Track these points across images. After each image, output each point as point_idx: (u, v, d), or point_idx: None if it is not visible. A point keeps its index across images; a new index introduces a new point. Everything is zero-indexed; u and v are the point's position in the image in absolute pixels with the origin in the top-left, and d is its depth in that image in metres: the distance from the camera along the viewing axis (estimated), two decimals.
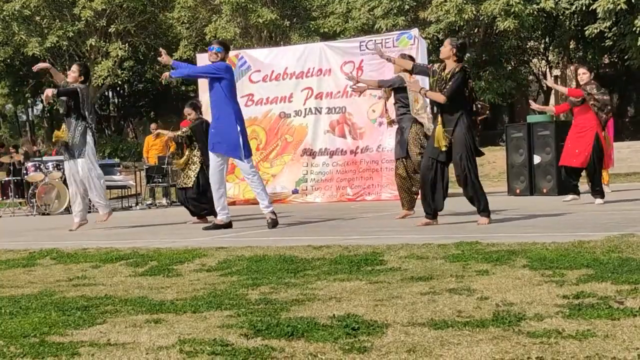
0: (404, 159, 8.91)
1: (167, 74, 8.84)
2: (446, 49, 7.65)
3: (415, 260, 5.34)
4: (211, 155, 8.64)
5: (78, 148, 9.57)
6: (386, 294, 4.26)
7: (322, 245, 6.06)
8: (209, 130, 8.89)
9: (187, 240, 7.36)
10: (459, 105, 7.52)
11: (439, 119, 7.65)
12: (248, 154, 8.54)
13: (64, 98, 9.60)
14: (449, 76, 7.52)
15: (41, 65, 10.23)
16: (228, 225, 8.60)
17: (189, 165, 10.37)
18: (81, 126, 9.59)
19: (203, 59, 16.00)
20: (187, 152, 10.46)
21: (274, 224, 8.38)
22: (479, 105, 7.77)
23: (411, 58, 9.14)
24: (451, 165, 7.84)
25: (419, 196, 9.04)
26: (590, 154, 9.91)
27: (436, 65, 7.86)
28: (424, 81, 10.27)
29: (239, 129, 8.41)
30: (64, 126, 9.81)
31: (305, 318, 3.68)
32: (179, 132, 10.59)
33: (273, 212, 8.45)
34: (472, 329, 3.35)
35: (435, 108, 7.82)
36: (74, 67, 9.93)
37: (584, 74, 10.07)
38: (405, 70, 8.65)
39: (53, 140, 10.26)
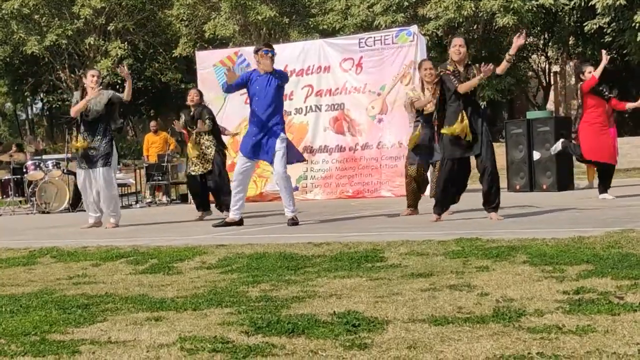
0: (431, 163, 8.82)
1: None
2: (464, 50, 7.59)
3: (416, 256, 5.34)
4: (241, 157, 8.52)
5: (103, 157, 9.38)
6: (386, 290, 4.26)
7: (322, 242, 6.07)
8: (249, 135, 8.51)
9: (187, 238, 7.36)
10: (480, 103, 7.53)
11: (462, 115, 7.48)
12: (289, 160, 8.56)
13: (97, 109, 9.39)
14: (474, 71, 7.48)
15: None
16: (239, 222, 8.61)
17: (203, 149, 10.24)
18: (109, 135, 9.50)
19: (202, 57, 16.04)
20: (192, 136, 10.31)
21: (293, 224, 8.30)
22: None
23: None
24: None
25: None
26: (614, 150, 9.97)
27: (450, 69, 7.67)
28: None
29: (284, 134, 8.46)
30: (80, 136, 9.45)
31: (305, 315, 3.68)
32: (205, 127, 10.24)
33: (296, 216, 8.41)
34: (472, 325, 3.35)
35: (460, 104, 7.57)
36: (96, 72, 9.67)
37: (589, 73, 10.02)
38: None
39: (72, 151, 9.73)
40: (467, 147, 7.54)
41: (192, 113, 10.40)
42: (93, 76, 9.52)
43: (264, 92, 8.35)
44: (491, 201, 7.59)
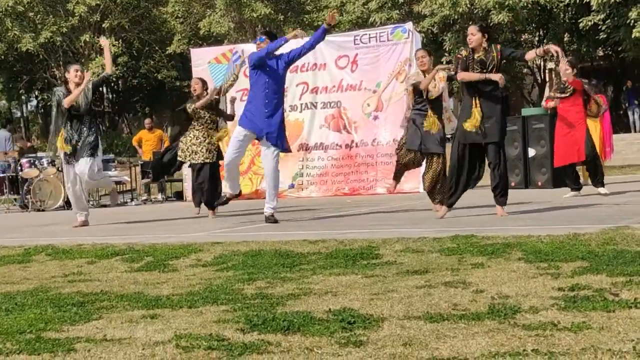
0: (433, 155, 8.66)
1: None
2: (477, 37, 7.48)
3: (411, 253, 5.34)
4: (240, 133, 8.45)
5: (90, 148, 9.27)
6: (382, 287, 4.26)
7: (318, 240, 6.06)
8: (259, 117, 8.38)
9: (182, 236, 7.35)
10: (498, 89, 7.49)
11: (476, 101, 7.39)
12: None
13: (87, 102, 9.31)
14: (498, 57, 7.42)
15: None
16: (239, 194, 8.83)
17: (209, 139, 10.08)
18: (94, 126, 9.45)
19: (197, 55, 16.03)
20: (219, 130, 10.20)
21: (272, 221, 8.28)
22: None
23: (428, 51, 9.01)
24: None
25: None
26: (584, 146, 9.94)
27: (463, 54, 7.61)
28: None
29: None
30: (63, 132, 9.31)
31: (301, 312, 3.68)
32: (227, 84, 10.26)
33: (273, 214, 8.35)
34: (467, 322, 3.36)
35: (473, 93, 7.46)
36: (79, 67, 9.61)
37: (566, 70, 10.06)
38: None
39: (58, 151, 9.45)
40: (480, 134, 7.43)
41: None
42: (77, 71, 9.45)
43: (275, 74, 8.37)
44: (499, 191, 7.53)
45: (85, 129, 9.35)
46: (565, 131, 10.04)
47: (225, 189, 8.91)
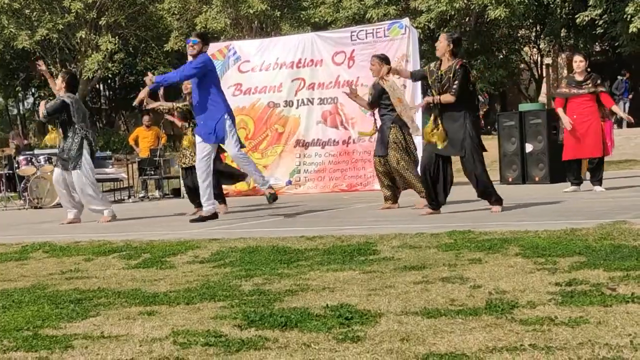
0: (382, 157, 8.86)
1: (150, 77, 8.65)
2: (442, 45, 7.52)
3: (408, 249, 5.34)
4: (199, 145, 8.61)
5: (74, 160, 9.42)
6: (379, 283, 4.26)
7: (315, 236, 6.06)
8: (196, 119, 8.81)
9: (180, 232, 7.35)
10: (462, 102, 7.47)
11: (436, 116, 7.52)
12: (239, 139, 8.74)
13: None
14: (450, 75, 7.41)
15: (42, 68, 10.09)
16: (214, 216, 8.60)
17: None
18: (78, 138, 9.46)
19: None
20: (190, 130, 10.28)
21: (273, 198, 8.44)
22: (480, 100, 7.80)
23: (386, 58, 9.08)
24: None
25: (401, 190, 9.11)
26: (601, 142, 9.95)
27: (432, 65, 7.73)
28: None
29: (227, 116, 8.52)
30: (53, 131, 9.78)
31: (298, 308, 3.68)
32: (176, 104, 10.17)
33: (271, 187, 8.55)
34: (465, 317, 3.36)
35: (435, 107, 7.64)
36: (59, 76, 9.85)
37: (580, 62, 9.99)
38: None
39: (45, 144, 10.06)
40: (443, 148, 7.54)
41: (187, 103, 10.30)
42: (57, 79, 9.78)
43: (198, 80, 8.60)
44: (489, 198, 7.60)
45: (67, 140, 9.54)
46: (576, 126, 9.94)
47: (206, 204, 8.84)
